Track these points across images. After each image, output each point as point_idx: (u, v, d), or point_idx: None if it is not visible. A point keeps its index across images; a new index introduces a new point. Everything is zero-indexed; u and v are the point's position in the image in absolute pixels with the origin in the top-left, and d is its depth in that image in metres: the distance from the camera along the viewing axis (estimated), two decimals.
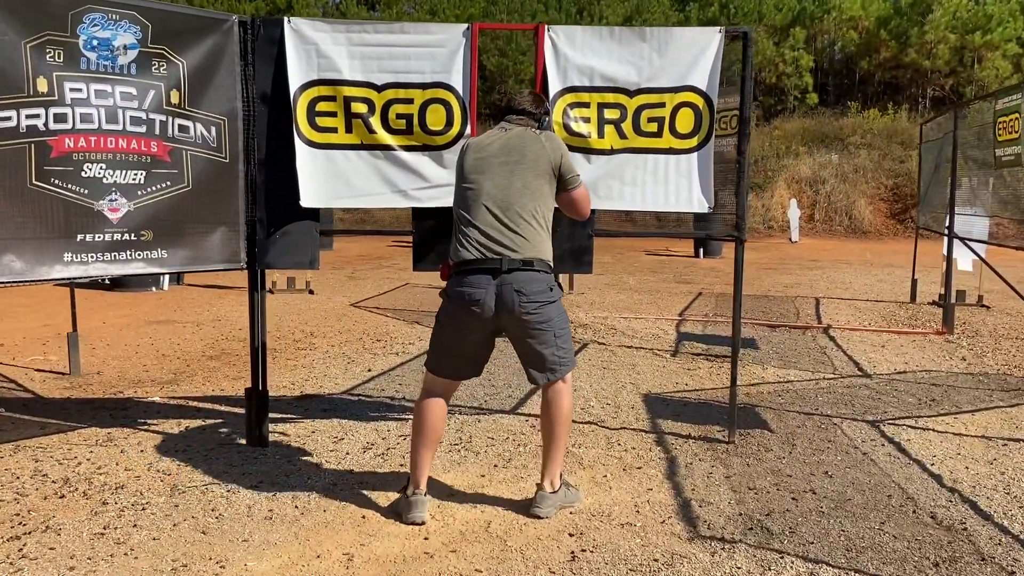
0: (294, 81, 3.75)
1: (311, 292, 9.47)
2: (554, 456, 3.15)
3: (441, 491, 3.38)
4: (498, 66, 23.66)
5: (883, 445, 4.10)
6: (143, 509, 3.17)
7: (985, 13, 23.56)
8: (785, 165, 22.01)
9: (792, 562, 2.76)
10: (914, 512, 3.23)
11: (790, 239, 18.91)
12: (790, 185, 21.56)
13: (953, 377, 5.60)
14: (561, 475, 3.22)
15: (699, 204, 3.97)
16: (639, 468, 3.69)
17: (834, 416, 4.60)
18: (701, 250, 15.41)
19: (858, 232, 19.81)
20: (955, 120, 7.17)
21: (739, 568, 2.71)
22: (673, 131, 3.90)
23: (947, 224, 7.36)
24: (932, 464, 3.83)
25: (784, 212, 19.83)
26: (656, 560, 2.77)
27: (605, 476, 3.59)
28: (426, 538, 2.93)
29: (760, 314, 8.38)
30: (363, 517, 3.11)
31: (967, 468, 3.78)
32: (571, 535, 2.97)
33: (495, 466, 3.71)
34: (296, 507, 3.20)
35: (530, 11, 24.71)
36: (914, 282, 9.36)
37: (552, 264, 3.12)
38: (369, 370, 5.63)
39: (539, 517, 3.09)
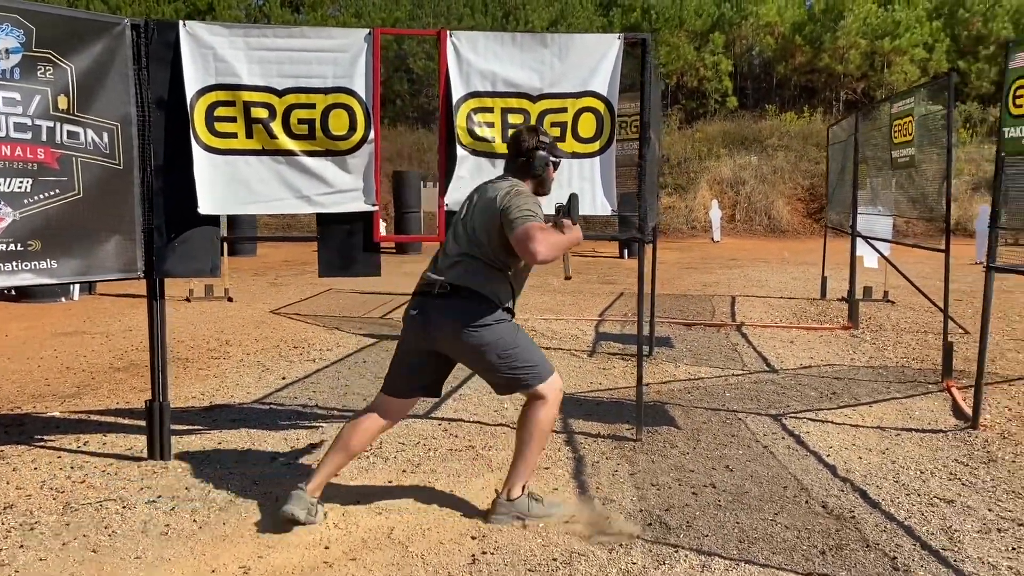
0: (191, 86, 3.67)
1: (230, 299, 9.26)
2: (516, 465, 3.14)
3: (347, 498, 3.35)
4: (425, 69, 23.58)
5: (783, 438, 4.24)
6: (31, 529, 3.05)
7: (893, 19, 24.62)
8: (707, 167, 22.55)
9: (686, 555, 2.84)
10: (807, 502, 3.36)
11: (712, 239, 19.38)
12: (712, 186, 22.09)
13: (855, 371, 5.84)
14: (526, 487, 3.14)
15: (602, 207, 4.04)
16: (546, 468, 3.73)
17: (739, 411, 4.74)
18: (626, 251, 15.66)
19: (777, 231, 20.44)
20: (856, 123, 7.47)
21: (635, 564, 2.78)
22: (576, 136, 3.96)
23: (851, 223, 7.66)
24: (828, 455, 3.98)
25: (706, 212, 20.30)
26: (555, 560, 2.81)
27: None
28: (327, 547, 2.90)
29: (678, 313, 8.57)
30: (263, 529, 3.06)
31: (860, 458, 3.94)
32: (473, 538, 2.99)
33: (403, 471, 3.70)
34: (194, 521, 3.13)
35: (456, 15, 24.72)
36: (824, 279, 9.72)
37: (490, 294, 3.03)
38: (283, 378, 5.54)
39: (495, 521, 3.09)
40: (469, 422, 4.46)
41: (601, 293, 10.31)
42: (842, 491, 3.51)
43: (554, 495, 3.40)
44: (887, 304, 9.05)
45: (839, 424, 4.50)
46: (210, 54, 3.68)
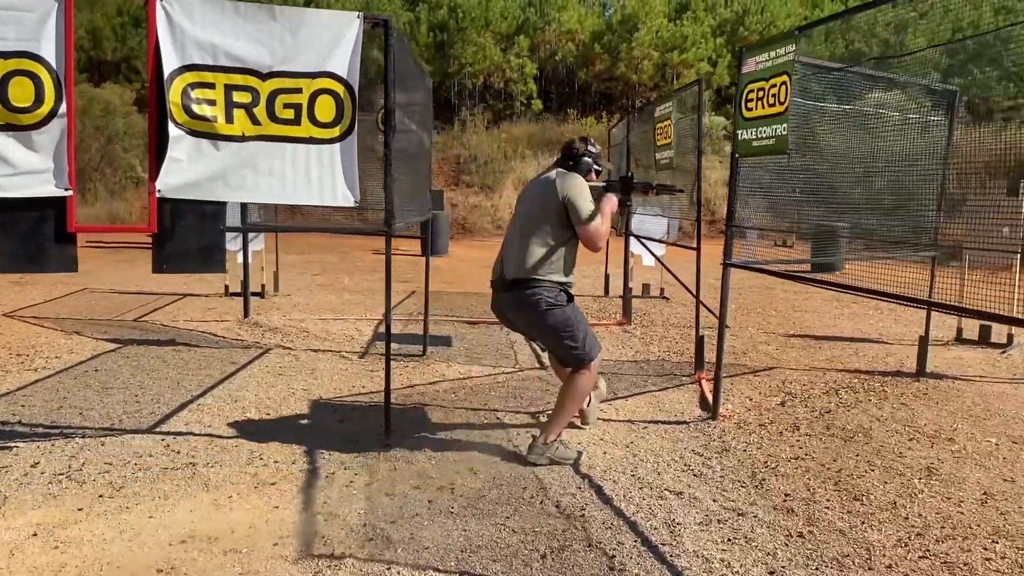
0: None
1: None
2: (554, 417, 3.80)
3: (23, 532, 2.84)
4: None
5: (536, 435, 4.17)
6: None
7: (682, 34, 26.26)
8: (513, 167, 22.91)
9: (399, 571, 2.63)
10: (542, 503, 3.27)
11: None
12: (517, 186, 22.46)
13: (620, 365, 5.96)
14: (560, 436, 3.79)
15: (344, 198, 3.76)
16: (273, 484, 3.39)
17: (500, 410, 4.64)
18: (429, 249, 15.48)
19: None
20: (628, 125, 7.71)
21: None
22: (313, 119, 3.66)
23: (624, 223, 7.89)
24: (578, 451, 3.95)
25: (511, 212, 20.58)
26: None
27: (231, 497, 3.25)
28: None
29: (465, 311, 8.48)
30: None
31: (605, 453, 3.94)
32: (160, 571, 2.60)
33: (100, 496, 3.21)
34: None
35: None
36: (607, 277, 10.03)
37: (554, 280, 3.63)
38: None
39: (531, 464, 3.67)
40: (199, 435, 4.02)
41: (395, 292, 9.99)
42: (580, 488, 3.46)
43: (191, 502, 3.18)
44: (662, 300, 9.47)
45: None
46: None
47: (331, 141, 3.70)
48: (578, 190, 3.58)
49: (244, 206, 7.17)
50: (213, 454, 3.75)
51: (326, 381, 5.23)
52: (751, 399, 5.03)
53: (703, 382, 5.31)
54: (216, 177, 3.54)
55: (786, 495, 3.44)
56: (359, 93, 3.71)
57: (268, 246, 9.46)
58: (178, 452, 3.76)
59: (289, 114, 3.61)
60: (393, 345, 6.54)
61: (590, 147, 3.82)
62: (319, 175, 3.69)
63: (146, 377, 5.21)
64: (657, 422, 4.49)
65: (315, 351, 6.17)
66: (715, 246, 5.75)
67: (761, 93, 4.07)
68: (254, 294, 9.16)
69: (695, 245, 5.69)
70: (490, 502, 3.26)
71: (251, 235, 8.57)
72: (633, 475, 3.64)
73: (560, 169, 3.74)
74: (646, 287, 9.88)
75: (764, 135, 4.00)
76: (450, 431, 4.20)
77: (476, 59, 25.36)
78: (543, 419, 4.39)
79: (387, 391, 3.96)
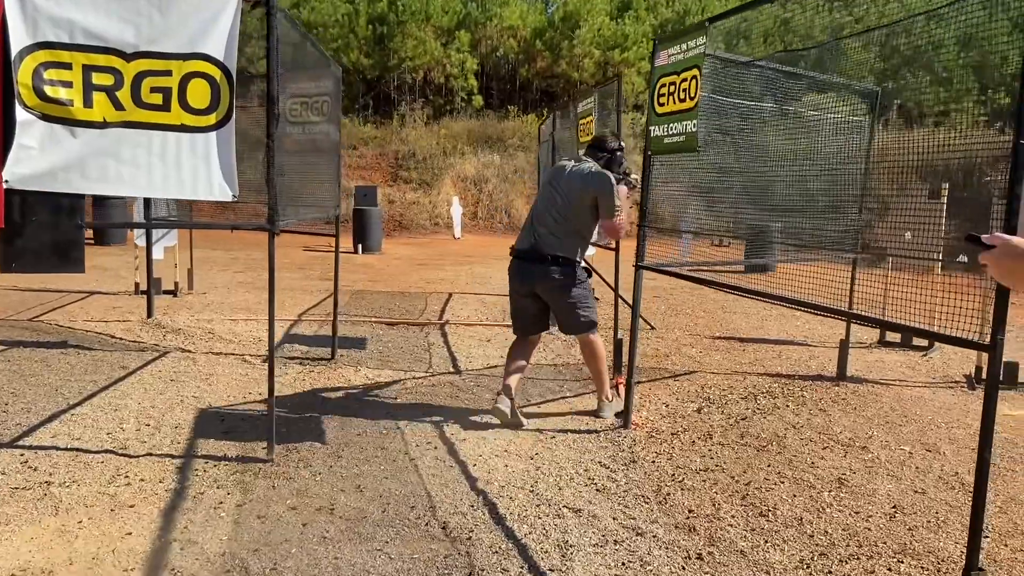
0: None
1: None
2: (597, 383, 4.54)
3: None
4: None
5: (436, 447, 3.93)
6: None
7: (623, 33, 26.27)
8: (452, 163, 22.60)
9: None
10: (427, 525, 3.03)
11: (454, 236, 19.40)
12: (456, 183, 22.18)
13: (538, 369, 5.74)
14: (613, 390, 4.66)
15: (220, 191, 3.45)
16: (132, 507, 3.08)
17: (402, 419, 4.38)
18: (360, 246, 15.11)
19: (515, 229, 20.82)
20: (554, 121, 7.51)
21: None
22: (184, 105, 3.33)
23: None
24: (475, 464, 3.72)
25: (449, 209, 20.30)
26: None
27: (80, 522, 2.93)
28: None
29: (386, 311, 8.18)
30: None
31: (507, 466, 3.72)
32: None
33: None
34: None
35: None
36: None
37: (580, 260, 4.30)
38: None
39: (603, 418, 4.45)
40: (64, 450, 3.67)
41: (315, 290, 9.66)
42: (473, 506, 3.22)
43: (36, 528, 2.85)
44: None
45: (500, 428, 4.29)
46: None
47: (206, 129, 3.38)
48: (610, 187, 4.13)
49: (148, 200, 6.75)
50: (74, 472, 3.40)
51: (221, 388, 4.89)
52: (667, 405, 4.87)
53: (620, 387, 5.13)
54: (73, 167, 3.19)
55: (690, 511, 3.27)
56: (246, 80, 3.40)
57: (182, 242, 9.00)
58: (35, 469, 3.41)
59: (157, 99, 3.28)
60: (302, 348, 6.25)
61: (622, 143, 4.48)
62: (192, 166, 3.37)
63: (23, 384, 4.80)
64: (567, 431, 4.29)
65: (216, 354, 5.81)
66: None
67: (673, 88, 3.89)
68: (167, 292, 8.72)
69: (613, 245, 5.51)
70: (372, 524, 3.00)
71: (163, 230, 8.14)
72: (532, 490, 3.43)
73: (595, 164, 4.27)
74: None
75: (675, 131, 3.82)
76: (343, 443, 3.93)
77: (416, 53, 24.96)
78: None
79: (270, 402, 3.66)
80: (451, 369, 5.68)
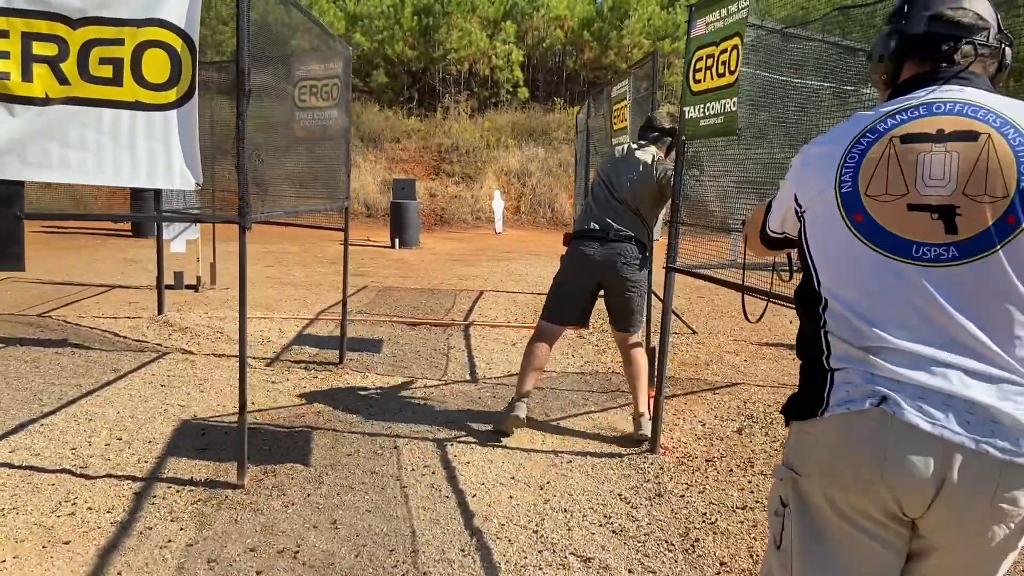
0: None
1: None
2: (637, 396, 4.05)
3: None
4: None
5: (435, 472, 3.45)
6: None
7: (674, 21, 25.43)
8: (495, 157, 22.14)
9: None
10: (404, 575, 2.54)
11: (495, 230, 18.95)
12: (499, 177, 21.71)
13: (562, 378, 5.23)
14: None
15: (182, 178, 3.02)
16: (67, 543, 2.66)
17: (402, 435, 3.91)
18: (397, 240, 14.75)
19: (559, 224, 20.34)
20: (588, 109, 6.96)
21: None
22: (139, 79, 2.90)
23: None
24: (476, 495, 3.23)
25: (491, 203, 19.85)
26: None
27: (3, 562, 2.52)
28: None
29: (410, 310, 7.74)
30: None
31: (511, 498, 3.22)
32: None
33: None
34: None
35: None
36: None
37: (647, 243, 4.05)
38: None
39: (646, 435, 3.90)
40: (17, 468, 3.30)
41: (340, 287, 9.26)
42: (463, 551, 2.74)
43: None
44: None
45: (511, 449, 3.79)
46: None
47: (164, 107, 2.94)
48: (672, 170, 3.87)
49: (157, 191, 6.42)
50: (18, 496, 3.01)
51: (212, 395, 4.49)
52: (704, 424, 4.30)
53: (653, 401, 4.58)
54: (9, 150, 2.79)
55: (722, 564, 2.72)
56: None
57: (205, 236, 8.71)
58: None
59: (107, 71, 2.85)
60: (311, 350, 5.83)
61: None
62: (149, 149, 2.95)
63: (5, 386, 4.47)
64: (585, 454, 3.77)
65: (218, 356, 5.43)
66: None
67: (710, 61, 3.33)
68: (188, 287, 8.44)
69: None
70: (339, 573, 2.54)
71: (185, 223, 7.84)
72: (536, 531, 2.92)
73: (655, 148, 4.09)
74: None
75: (712, 112, 3.26)
76: (329, 465, 3.47)
77: (461, 45, 24.54)
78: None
79: (241, 420, 3.22)
80: (467, 377, 5.20)
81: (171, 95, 2.95)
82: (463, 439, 3.91)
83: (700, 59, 3.42)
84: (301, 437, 3.83)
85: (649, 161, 4.00)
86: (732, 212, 4.06)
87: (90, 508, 2.94)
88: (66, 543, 2.66)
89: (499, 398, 4.66)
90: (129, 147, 2.92)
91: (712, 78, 3.29)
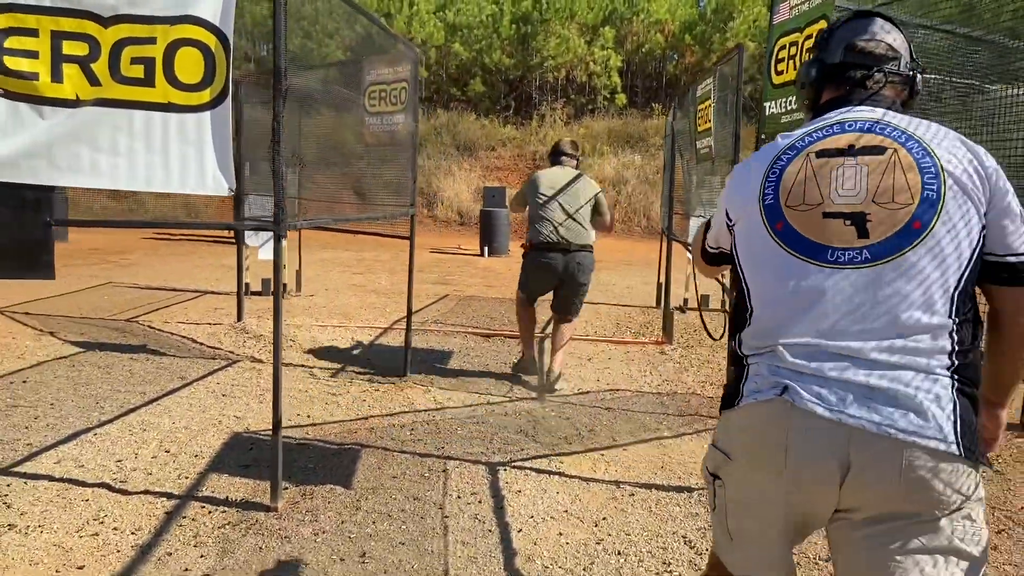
0: None
1: None
2: (558, 353, 5.06)
3: None
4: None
5: (481, 500, 3.19)
6: None
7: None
8: (590, 164, 21.77)
9: None
10: None
11: None
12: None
13: (636, 399, 4.86)
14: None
15: (215, 184, 2.88)
16: (81, 568, 2.54)
17: (454, 457, 3.66)
18: (486, 248, 14.63)
19: (654, 233, 19.77)
20: (674, 111, 6.57)
21: None
22: (172, 79, 2.78)
23: (665, 224, 6.77)
24: (522, 529, 2.94)
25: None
26: None
27: None
28: None
29: (487, 321, 7.52)
30: None
31: (561, 535, 2.91)
32: None
33: None
34: None
35: None
36: (659, 286, 8.86)
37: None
38: None
39: (558, 390, 4.92)
40: (56, 481, 3.24)
41: (425, 295, 9.17)
42: None
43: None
44: (723, 314, 8.22)
45: (570, 477, 3.48)
46: None
47: (197, 109, 2.81)
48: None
49: (238, 198, 6.46)
50: (49, 512, 2.94)
51: (270, 407, 4.36)
52: None
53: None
54: (39, 154, 2.71)
55: None
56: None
57: (291, 242, 8.79)
58: (9, 506, 2.97)
59: (138, 71, 2.75)
60: (378, 362, 5.69)
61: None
62: (181, 153, 2.82)
63: (72, 392, 4.50)
64: (651, 486, 3.41)
65: (285, 365, 5.35)
66: None
67: (794, 50, 2.94)
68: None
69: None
70: None
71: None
72: (585, 573, 2.60)
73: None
74: (705, 298, 8.64)
75: (793, 107, 2.87)
76: (371, 488, 3.26)
77: (558, 52, 24.35)
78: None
79: (275, 439, 3.05)
80: (533, 394, 4.91)
81: (204, 96, 2.82)
82: (518, 463, 3.63)
83: (783, 47, 3.03)
84: (348, 455, 3.65)
85: (591, 183, 5.28)
86: None
87: (116, 528, 2.82)
88: (80, 568, 2.54)
89: (565, 419, 4.36)
90: (162, 151, 2.80)
91: (795, 69, 2.90)
